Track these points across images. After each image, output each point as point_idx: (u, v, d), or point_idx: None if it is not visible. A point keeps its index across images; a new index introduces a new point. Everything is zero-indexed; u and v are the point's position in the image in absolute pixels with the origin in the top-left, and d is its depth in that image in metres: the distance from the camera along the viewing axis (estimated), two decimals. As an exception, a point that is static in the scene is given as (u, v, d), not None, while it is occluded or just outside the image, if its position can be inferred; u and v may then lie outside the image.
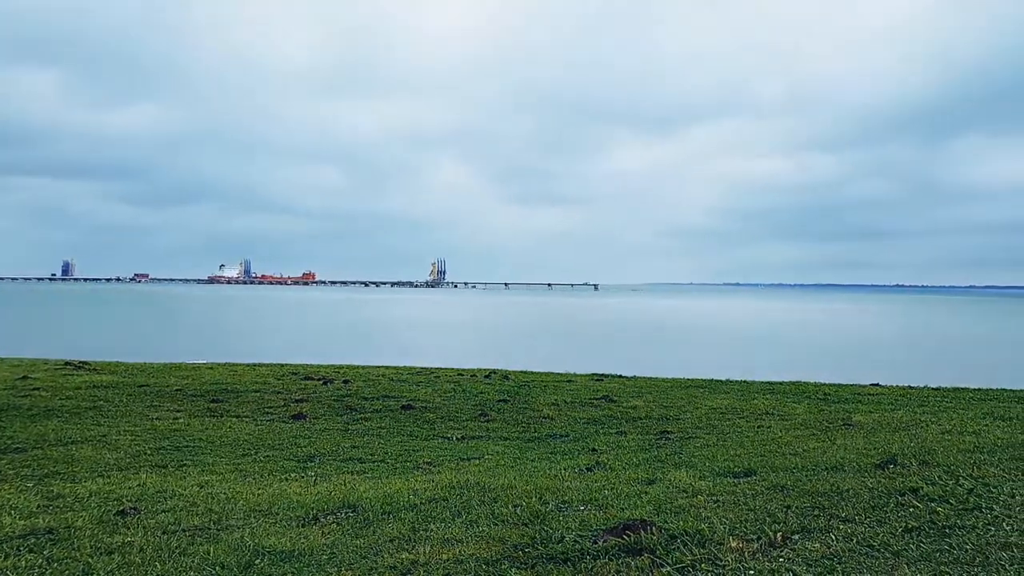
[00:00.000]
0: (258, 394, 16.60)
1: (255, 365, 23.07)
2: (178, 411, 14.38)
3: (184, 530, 5.96)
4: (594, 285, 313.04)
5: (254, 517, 6.41)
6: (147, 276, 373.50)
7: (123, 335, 50.51)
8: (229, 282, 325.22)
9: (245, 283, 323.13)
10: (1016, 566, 3.79)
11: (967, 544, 4.24)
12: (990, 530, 4.46)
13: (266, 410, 14.75)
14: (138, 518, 6.35)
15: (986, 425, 10.94)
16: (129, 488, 7.81)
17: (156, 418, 13.55)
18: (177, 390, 16.83)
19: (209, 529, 6.01)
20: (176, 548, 5.40)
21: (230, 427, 12.85)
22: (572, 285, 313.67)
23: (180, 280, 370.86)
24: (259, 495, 7.41)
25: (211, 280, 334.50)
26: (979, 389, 17.12)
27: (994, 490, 5.41)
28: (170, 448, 10.87)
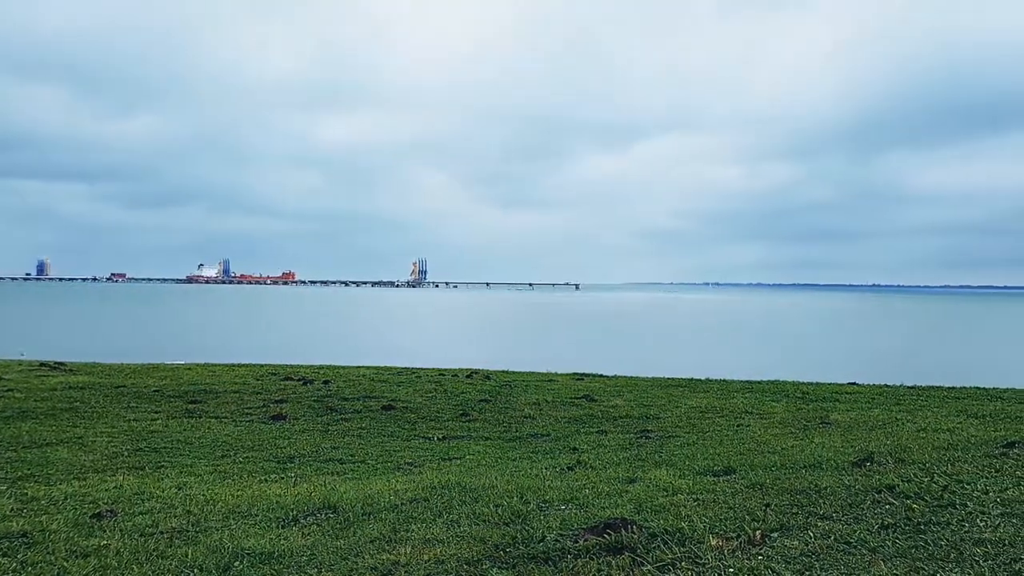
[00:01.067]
0: (237, 395, 16.47)
1: (234, 365, 22.88)
2: (156, 412, 14.22)
3: (162, 532, 5.90)
4: (575, 285, 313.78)
5: (233, 519, 6.36)
6: (124, 276, 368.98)
7: (100, 335, 49.89)
8: (208, 282, 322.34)
9: (224, 283, 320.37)
10: (990, 561, 3.85)
11: (942, 540, 4.30)
12: (964, 526, 4.53)
13: (245, 411, 14.63)
14: (115, 521, 6.27)
15: (960, 423, 11.11)
16: (106, 490, 7.71)
17: (133, 419, 13.40)
18: (155, 391, 16.66)
19: (187, 531, 5.95)
20: (154, 551, 5.35)
21: (209, 428, 12.74)
22: (553, 285, 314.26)
23: (158, 280, 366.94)
24: (238, 496, 7.35)
25: (190, 280, 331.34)
26: (953, 388, 17.37)
27: (968, 487, 5.50)
28: (148, 450, 10.76)
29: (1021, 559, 3.82)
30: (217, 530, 5.95)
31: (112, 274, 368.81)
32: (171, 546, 5.49)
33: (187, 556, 5.18)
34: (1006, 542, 4.14)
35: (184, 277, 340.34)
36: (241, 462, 10.00)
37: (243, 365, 23.07)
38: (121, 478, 8.60)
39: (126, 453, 10.44)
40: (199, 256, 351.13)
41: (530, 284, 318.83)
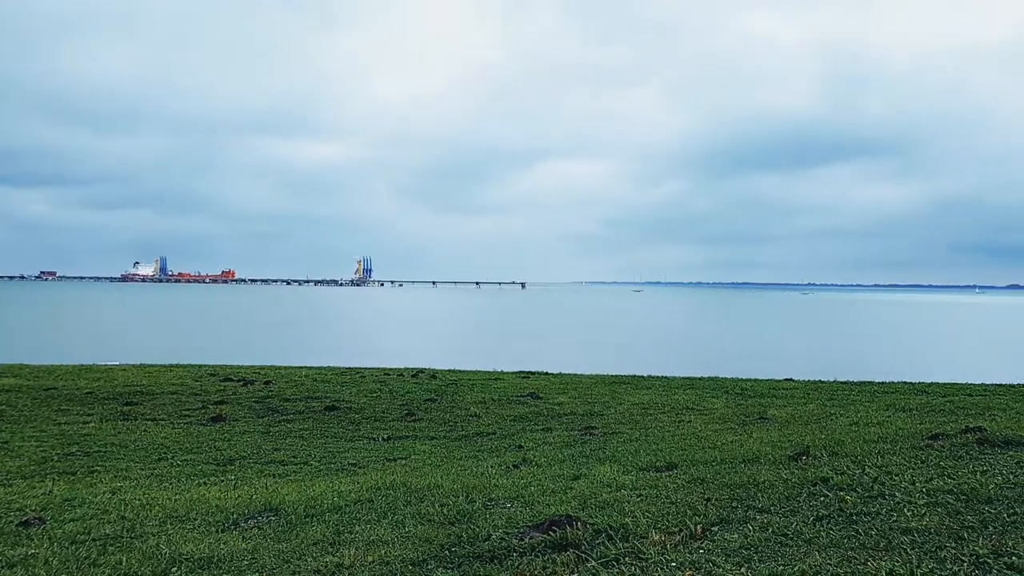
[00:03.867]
0: (175, 396, 16.02)
1: (171, 366, 22.24)
2: (88, 415, 13.73)
3: (94, 539, 5.70)
4: (521, 284, 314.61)
5: (170, 523, 6.19)
6: (55, 274, 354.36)
7: (26, 335, 47.86)
8: (144, 280, 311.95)
9: (161, 281, 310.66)
10: (916, 550, 4.01)
11: (872, 530, 4.46)
12: (893, 516, 4.70)
13: (183, 413, 14.25)
14: (43, 528, 6.03)
15: (889, 416, 11.55)
16: (34, 497, 7.42)
17: (64, 423, 12.90)
18: (87, 393, 16.07)
19: (122, 537, 5.77)
20: (85, 559, 5.16)
21: (145, 431, 12.36)
22: (500, 284, 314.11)
23: (91, 278, 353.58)
24: (176, 501, 7.16)
25: (125, 278, 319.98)
26: (882, 383, 18.06)
27: (896, 478, 5.72)
28: (79, 454, 10.38)
29: (945, 547, 4.00)
30: (153, 536, 5.79)
31: (41, 272, 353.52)
32: (104, 553, 5.30)
33: (121, 563, 5.02)
34: (931, 531, 4.32)
35: (119, 276, 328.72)
36: (179, 465, 9.74)
37: (181, 366, 22.44)
38: (50, 484, 8.28)
39: (56, 458, 10.05)
40: (137, 255, 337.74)
41: (477, 283, 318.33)
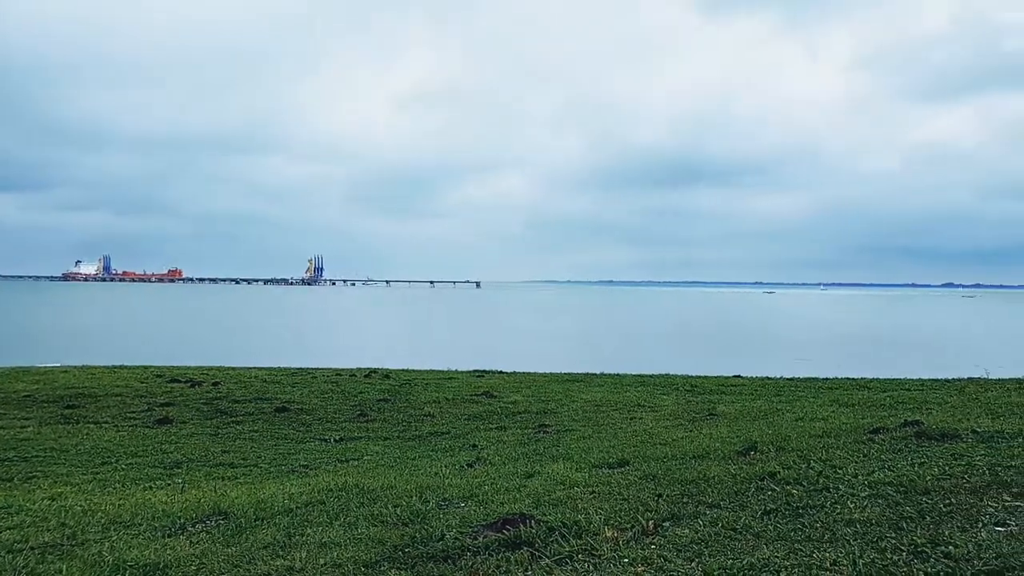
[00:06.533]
0: (119, 398, 15.57)
1: (116, 368, 21.60)
2: (26, 419, 13.25)
3: (32, 548, 5.50)
4: (476, 283, 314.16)
5: (114, 529, 6.02)
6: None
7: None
8: (87, 279, 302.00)
9: (104, 280, 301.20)
10: (859, 540, 4.14)
11: (817, 522, 4.58)
12: (837, 508, 4.84)
13: (128, 415, 13.86)
14: (-22, 537, 5.80)
15: (833, 412, 11.87)
16: (-33, 505, 7.13)
17: (0, 427, 12.44)
18: (25, 396, 15.51)
19: (62, 545, 5.58)
20: (23, 568, 4.98)
21: (87, 434, 11.99)
22: (454, 283, 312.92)
23: (30, 277, 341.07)
24: (120, 506, 6.96)
25: (66, 277, 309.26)
26: (827, 379, 18.58)
27: (840, 471, 5.89)
28: (16, 459, 10.02)
29: (886, 537, 4.13)
30: (96, 543, 5.61)
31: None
32: (43, 562, 5.13)
33: (61, 572, 4.86)
34: (873, 522, 4.46)
35: (59, 275, 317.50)
36: (123, 469, 9.48)
37: (125, 367, 21.81)
38: (-14, 491, 7.97)
39: (-9, 464, 9.68)
40: (81, 256, 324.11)
41: (431, 282, 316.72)
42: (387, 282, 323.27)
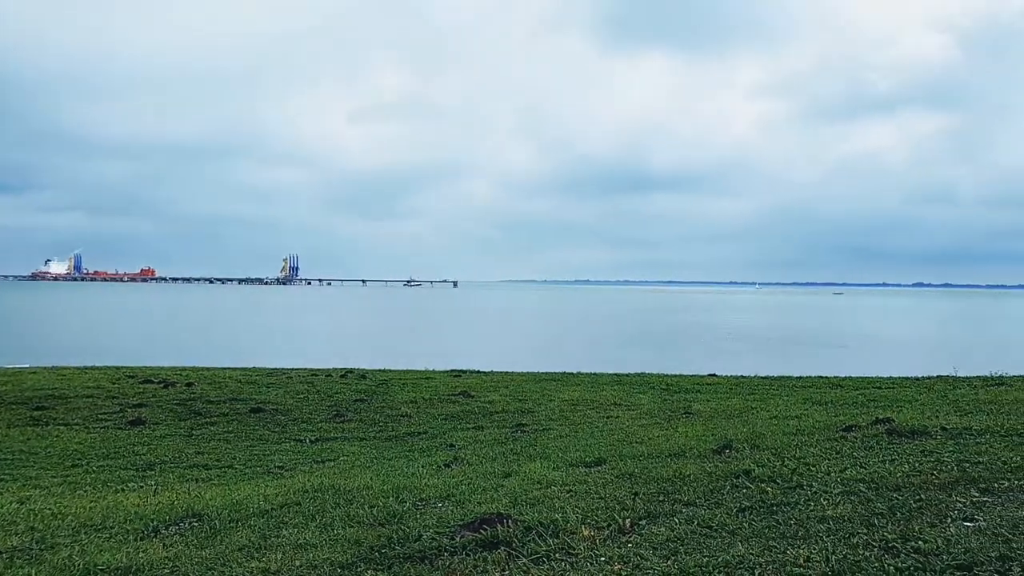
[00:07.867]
0: (90, 400, 15.32)
1: (86, 368, 21.25)
2: (-7, 421, 13.00)
3: (0, 553, 5.40)
4: (453, 282, 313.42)
5: (85, 533, 5.92)
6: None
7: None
8: (56, 279, 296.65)
9: (75, 280, 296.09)
10: (832, 537, 4.19)
11: (791, 520, 4.64)
12: (810, 505, 4.91)
13: (100, 416, 13.65)
14: (-56, 542, 5.68)
15: (806, 410, 12.02)
16: (-67, 509, 6.97)
17: (-34, 430, 12.19)
18: (-8, 398, 15.21)
19: (30, 549, 5.48)
20: (-9, 573, 4.89)
21: (57, 436, 11.79)
22: (432, 282, 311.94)
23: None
24: (91, 509, 6.85)
25: (35, 276, 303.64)
26: (800, 377, 18.81)
27: (813, 468, 5.96)
28: (-17, 462, 9.82)
29: (857, 533, 4.19)
30: (66, 546, 5.52)
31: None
32: (11, 567, 5.03)
33: (31, 577, 4.77)
34: (845, 518, 4.52)
35: (28, 274, 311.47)
36: (95, 471, 9.33)
37: (96, 368, 21.47)
38: (-48, 495, 7.80)
39: (-43, 467, 9.48)
40: (50, 254, 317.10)
41: (408, 281, 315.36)
42: (363, 281, 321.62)
